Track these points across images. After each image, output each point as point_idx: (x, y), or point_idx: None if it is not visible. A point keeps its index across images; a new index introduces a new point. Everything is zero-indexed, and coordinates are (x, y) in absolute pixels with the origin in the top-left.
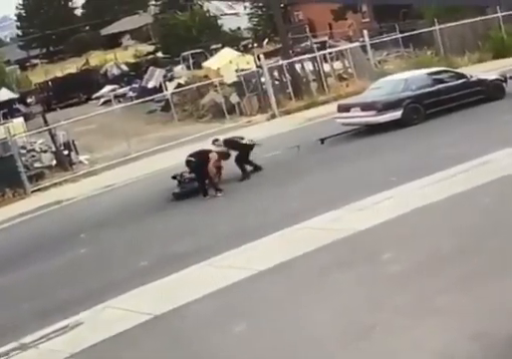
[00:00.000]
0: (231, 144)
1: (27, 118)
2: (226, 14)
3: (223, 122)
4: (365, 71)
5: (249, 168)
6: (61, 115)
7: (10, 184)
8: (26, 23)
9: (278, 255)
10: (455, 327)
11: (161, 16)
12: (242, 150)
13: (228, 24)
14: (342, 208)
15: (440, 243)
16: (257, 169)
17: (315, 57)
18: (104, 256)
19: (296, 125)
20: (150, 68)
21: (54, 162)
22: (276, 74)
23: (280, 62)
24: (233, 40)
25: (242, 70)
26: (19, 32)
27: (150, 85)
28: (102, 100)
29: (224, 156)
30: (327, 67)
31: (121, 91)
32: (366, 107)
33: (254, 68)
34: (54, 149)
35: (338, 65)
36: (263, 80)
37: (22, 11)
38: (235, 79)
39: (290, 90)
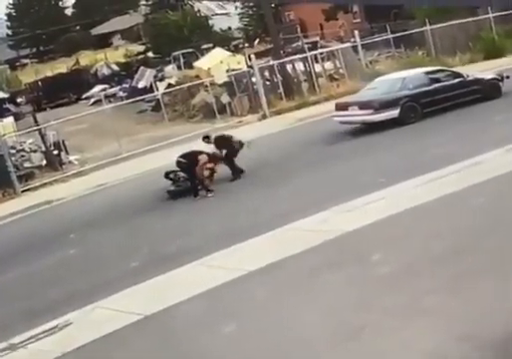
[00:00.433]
0: (222, 142)
1: (17, 117)
2: (217, 14)
3: (214, 122)
4: (356, 71)
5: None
6: (51, 114)
7: (0, 184)
8: (16, 23)
9: (268, 256)
10: (444, 328)
11: (152, 16)
12: (232, 148)
13: (219, 24)
14: (331, 209)
15: (430, 244)
16: (240, 171)
17: (306, 57)
18: (93, 257)
19: (287, 125)
20: (141, 68)
21: (44, 161)
22: (267, 74)
23: (271, 62)
24: (224, 40)
25: (233, 70)
26: (9, 32)
27: (141, 85)
28: (92, 100)
29: (217, 158)
30: (318, 67)
31: (111, 91)
32: (363, 105)
33: (245, 68)
34: (44, 148)
35: (329, 65)
36: (254, 80)
37: (12, 11)
38: (226, 79)
39: (281, 90)
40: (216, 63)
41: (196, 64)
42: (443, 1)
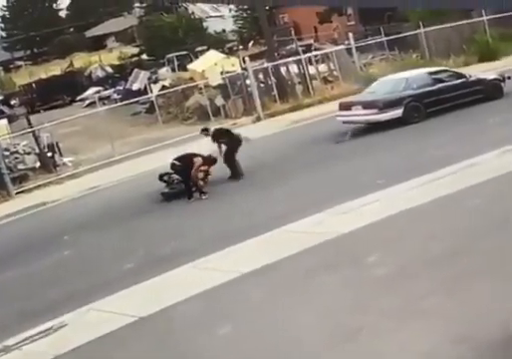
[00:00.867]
0: (220, 135)
1: (11, 119)
2: (211, 16)
3: (208, 124)
4: (350, 74)
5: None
6: (45, 117)
7: None
8: (10, 25)
9: (263, 257)
10: (440, 330)
11: (146, 18)
12: (231, 143)
13: (213, 26)
14: (327, 211)
15: (425, 246)
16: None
17: (300, 60)
18: (88, 259)
19: (281, 127)
20: (135, 70)
21: (38, 164)
22: (261, 76)
23: (265, 64)
24: (218, 42)
25: (227, 72)
26: (3, 34)
27: (135, 87)
28: (86, 102)
29: (211, 161)
30: (312, 70)
31: (105, 93)
32: (367, 105)
33: (239, 70)
34: (38, 150)
35: (323, 68)
36: (248, 82)
37: (6, 13)
38: (220, 81)
39: (275, 92)
40: (210, 65)
41: (190, 66)
42: (437, 3)
